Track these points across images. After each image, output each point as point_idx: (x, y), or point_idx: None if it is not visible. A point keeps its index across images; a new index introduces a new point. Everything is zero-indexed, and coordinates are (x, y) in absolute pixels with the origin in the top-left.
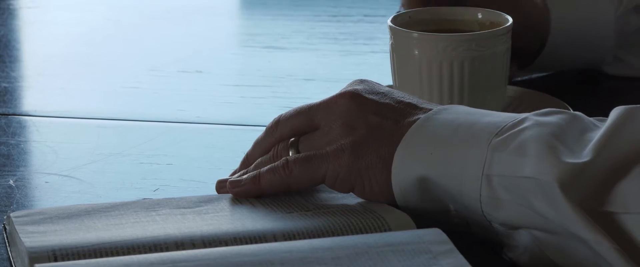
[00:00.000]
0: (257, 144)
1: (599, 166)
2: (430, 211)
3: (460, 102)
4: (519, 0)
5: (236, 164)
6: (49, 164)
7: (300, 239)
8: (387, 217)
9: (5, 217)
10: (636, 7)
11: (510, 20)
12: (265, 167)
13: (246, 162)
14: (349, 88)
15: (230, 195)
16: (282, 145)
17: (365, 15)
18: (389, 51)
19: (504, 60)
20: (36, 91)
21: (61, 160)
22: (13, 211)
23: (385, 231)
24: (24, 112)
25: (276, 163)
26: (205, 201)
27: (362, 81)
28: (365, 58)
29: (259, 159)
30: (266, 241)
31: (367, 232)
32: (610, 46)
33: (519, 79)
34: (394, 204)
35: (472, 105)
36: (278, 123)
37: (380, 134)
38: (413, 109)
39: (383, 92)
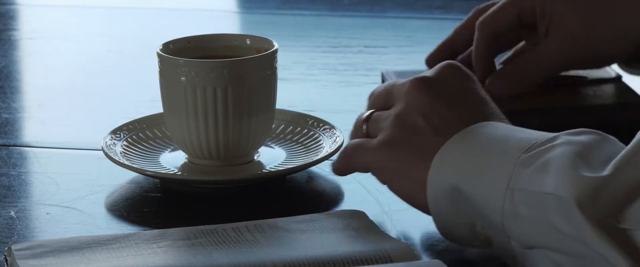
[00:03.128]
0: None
1: (619, 181)
2: (459, 224)
3: (225, 127)
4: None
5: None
6: (50, 195)
7: None
8: (388, 248)
9: (6, 248)
10: None
11: (276, 46)
12: (345, 148)
13: None
14: (429, 74)
15: (232, 226)
16: (360, 118)
17: (366, 46)
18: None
19: (268, 85)
20: (37, 122)
21: (62, 191)
22: (14, 242)
23: (386, 261)
24: (25, 143)
25: (345, 147)
26: (208, 232)
27: (451, 67)
28: (366, 89)
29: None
30: None
31: (368, 263)
32: None
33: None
34: (425, 210)
35: (237, 130)
36: (371, 95)
37: (421, 141)
38: (460, 118)
39: (450, 92)
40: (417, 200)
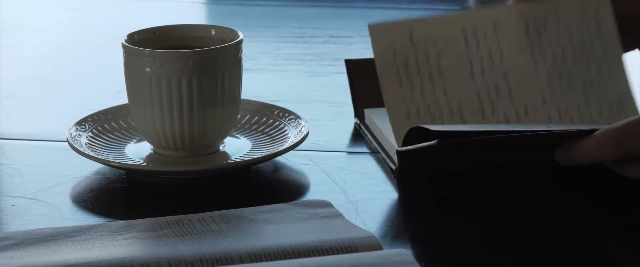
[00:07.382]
0: None
1: None
2: None
3: (190, 118)
4: None
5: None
6: (15, 187)
7: (267, 259)
8: (353, 237)
9: None
10: None
11: (241, 36)
12: None
13: None
14: None
15: (198, 216)
16: None
17: (332, 37)
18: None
19: (233, 75)
20: (3, 113)
21: (27, 182)
22: None
23: (351, 251)
24: None
25: None
26: (174, 223)
27: None
28: (332, 79)
29: None
30: (232, 262)
31: (334, 253)
32: None
33: None
34: None
35: (203, 121)
36: None
37: None
38: None
39: None
40: None
